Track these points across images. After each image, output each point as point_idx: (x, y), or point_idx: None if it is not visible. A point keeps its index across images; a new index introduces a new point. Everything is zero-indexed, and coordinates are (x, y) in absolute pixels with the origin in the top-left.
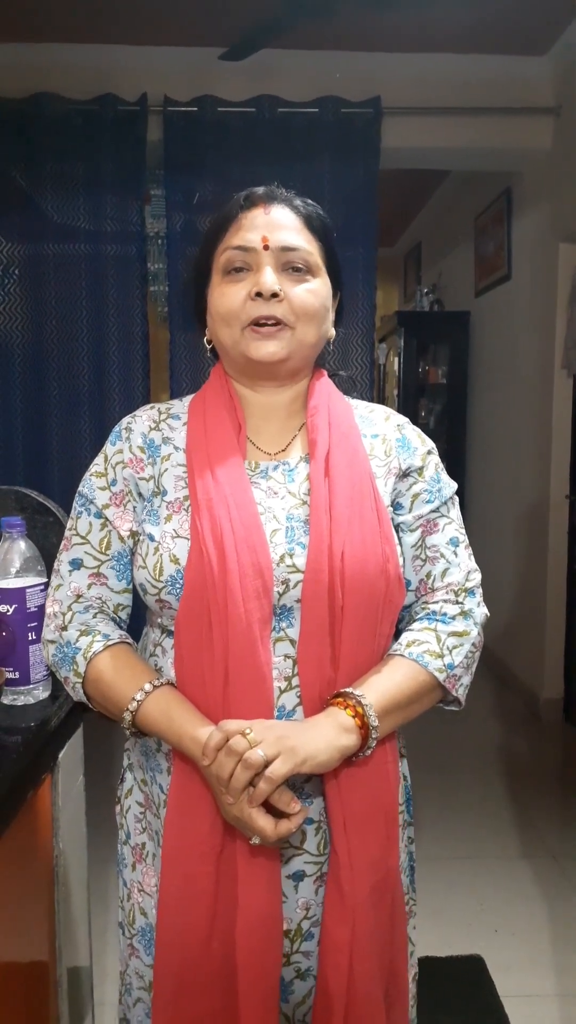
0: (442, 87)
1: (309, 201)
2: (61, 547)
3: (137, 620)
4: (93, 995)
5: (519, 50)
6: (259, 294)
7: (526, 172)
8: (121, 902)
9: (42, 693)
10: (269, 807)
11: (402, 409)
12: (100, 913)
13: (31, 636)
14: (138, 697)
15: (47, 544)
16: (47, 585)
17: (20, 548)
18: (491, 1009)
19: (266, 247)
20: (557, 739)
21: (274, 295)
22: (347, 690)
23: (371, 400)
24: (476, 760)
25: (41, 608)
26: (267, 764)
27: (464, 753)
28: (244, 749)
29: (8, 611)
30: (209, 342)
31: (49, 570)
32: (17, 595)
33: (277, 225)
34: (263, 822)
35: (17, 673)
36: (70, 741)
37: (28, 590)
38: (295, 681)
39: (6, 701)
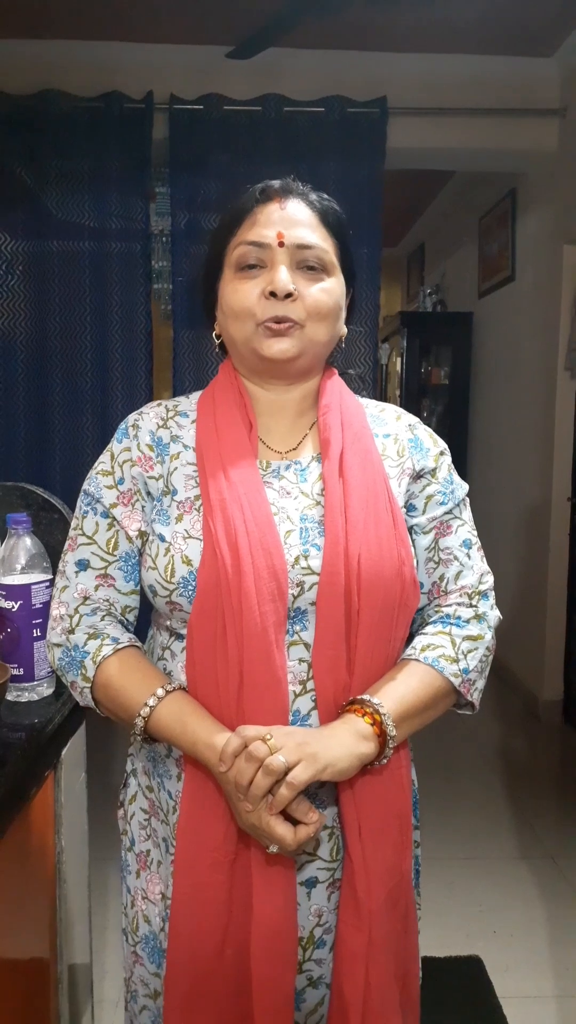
0: (448, 88)
1: (325, 196)
2: (66, 547)
3: (140, 623)
4: (92, 992)
5: (525, 51)
6: (273, 294)
7: (531, 173)
8: (124, 909)
9: (46, 690)
10: (285, 816)
11: (404, 409)
12: (99, 910)
13: (36, 633)
14: (150, 703)
15: (52, 541)
16: (52, 582)
17: (25, 544)
18: (490, 1010)
19: (281, 244)
20: (556, 740)
21: (288, 295)
22: (363, 697)
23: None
24: (475, 761)
25: (46, 605)
26: (288, 770)
27: (463, 754)
28: (265, 755)
29: (13, 608)
30: (218, 336)
31: (54, 567)
32: (22, 591)
33: (293, 221)
34: (282, 830)
35: (21, 670)
36: (73, 738)
37: (33, 587)
38: (310, 685)
39: (10, 698)
